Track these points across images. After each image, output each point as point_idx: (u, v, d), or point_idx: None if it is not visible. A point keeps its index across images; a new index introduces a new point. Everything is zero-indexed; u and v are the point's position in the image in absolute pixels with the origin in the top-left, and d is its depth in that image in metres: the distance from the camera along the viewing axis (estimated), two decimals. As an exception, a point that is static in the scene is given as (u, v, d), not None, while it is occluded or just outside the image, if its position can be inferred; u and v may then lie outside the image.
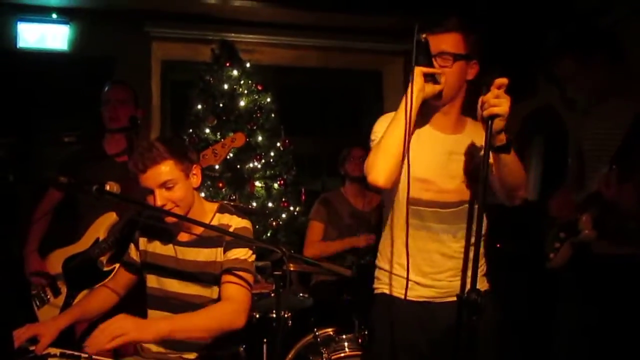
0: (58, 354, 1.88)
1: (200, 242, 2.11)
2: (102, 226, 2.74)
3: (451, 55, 1.89)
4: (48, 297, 2.80)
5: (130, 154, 2.90)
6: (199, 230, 2.09)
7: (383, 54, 4.68)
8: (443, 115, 2.00)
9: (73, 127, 3.83)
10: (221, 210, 2.18)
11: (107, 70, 4.29)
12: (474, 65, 1.96)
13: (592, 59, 2.42)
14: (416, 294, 2.00)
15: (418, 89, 1.84)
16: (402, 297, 1.98)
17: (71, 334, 2.56)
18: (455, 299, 1.90)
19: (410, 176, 1.93)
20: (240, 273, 2.02)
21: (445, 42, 1.90)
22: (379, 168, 1.87)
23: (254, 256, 2.09)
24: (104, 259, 2.71)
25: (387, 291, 2.05)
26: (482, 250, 1.95)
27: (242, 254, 2.06)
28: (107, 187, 2.43)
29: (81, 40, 4.35)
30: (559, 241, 2.50)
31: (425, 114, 1.97)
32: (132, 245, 2.27)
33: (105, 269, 2.67)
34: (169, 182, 2.00)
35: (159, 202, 1.98)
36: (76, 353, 1.84)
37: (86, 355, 1.78)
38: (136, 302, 2.26)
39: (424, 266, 1.99)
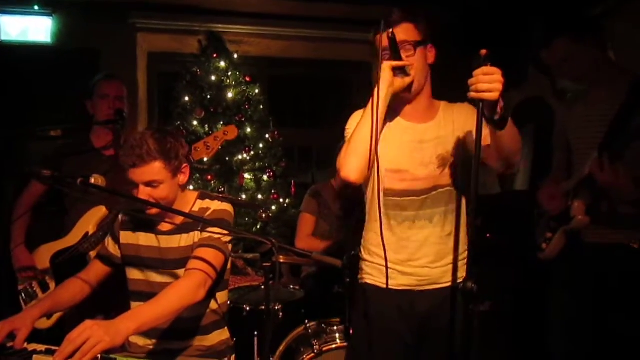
0: (44, 350, 1.84)
1: (181, 228, 2.11)
2: (92, 220, 2.71)
3: (411, 44, 1.96)
4: (36, 292, 2.77)
5: (116, 147, 2.89)
6: (180, 218, 2.10)
7: (372, 44, 4.57)
8: (412, 106, 2.05)
9: (58, 121, 3.79)
10: (202, 196, 2.20)
11: (92, 62, 4.24)
12: (431, 49, 2.03)
13: (586, 41, 2.41)
14: (396, 282, 2.04)
15: (387, 84, 1.90)
16: (383, 286, 2.04)
17: (60, 331, 2.56)
18: (436, 287, 2.04)
19: (383, 168, 2.01)
20: (206, 249, 2.02)
21: (402, 33, 1.94)
22: (350, 164, 1.93)
23: (229, 237, 2.09)
24: (93, 253, 2.67)
25: (369, 281, 2.11)
26: (464, 237, 2.06)
27: (215, 234, 2.06)
28: (92, 180, 2.42)
29: (65, 33, 4.28)
30: (551, 231, 2.50)
31: (394, 105, 2.01)
32: (109, 239, 2.25)
33: (94, 263, 2.63)
34: (155, 182, 2.01)
35: (141, 196, 2.00)
36: (53, 348, 1.81)
37: None
38: (118, 294, 2.26)
39: (401, 254, 2.03)
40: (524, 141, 4.48)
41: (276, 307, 2.93)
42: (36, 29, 4.25)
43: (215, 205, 2.15)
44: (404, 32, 1.95)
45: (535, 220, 2.70)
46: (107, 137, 2.94)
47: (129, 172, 2.00)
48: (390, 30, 1.85)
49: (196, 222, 2.07)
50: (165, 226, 2.15)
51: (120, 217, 2.24)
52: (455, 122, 2.04)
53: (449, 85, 2.12)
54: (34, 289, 2.79)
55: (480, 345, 2.03)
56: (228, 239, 2.09)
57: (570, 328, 2.51)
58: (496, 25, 4.18)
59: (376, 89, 1.88)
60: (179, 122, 4.06)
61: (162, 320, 1.86)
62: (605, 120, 2.33)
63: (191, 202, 2.17)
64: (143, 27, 4.50)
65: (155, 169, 1.99)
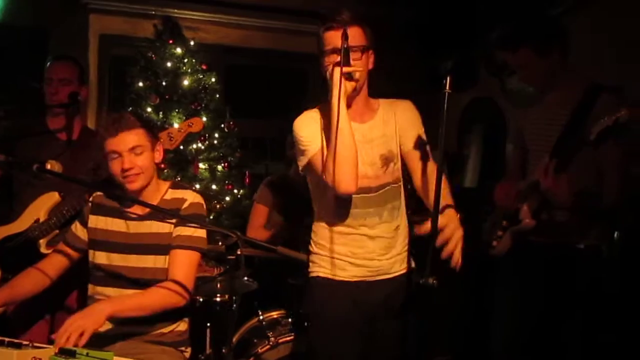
0: (-7, 342, 1.79)
1: (153, 214, 2.16)
2: (43, 207, 2.61)
3: (360, 48, 2.00)
4: (-22, 279, 2.66)
5: (69, 131, 2.81)
6: (154, 202, 2.16)
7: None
8: (352, 107, 2.08)
9: (4, 101, 3.63)
10: (174, 186, 2.26)
11: (40, 42, 4.08)
12: (371, 54, 2.08)
13: (549, 51, 2.45)
14: (349, 273, 2.12)
15: (342, 89, 1.91)
16: (335, 278, 2.13)
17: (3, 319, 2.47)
18: (387, 277, 2.14)
19: None
20: (188, 252, 2.13)
21: (351, 36, 1.95)
22: (348, 179, 1.96)
23: (204, 231, 2.18)
24: (43, 241, 2.59)
25: (321, 274, 2.17)
26: (406, 230, 2.20)
27: (192, 229, 2.15)
28: (48, 166, 2.36)
29: (12, 10, 4.09)
30: (502, 229, 2.58)
31: None
32: (77, 224, 2.27)
33: (44, 251, 2.55)
34: (138, 148, 2.08)
35: (126, 165, 2.06)
36: (16, 341, 1.77)
37: (27, 343, 1.74)
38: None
39: (354, 248, 2.11)
40: (472, 140, 4.63)
41: (233, 299, 2.92)
42: (-19, 4, 4.05)
43: (191, 197, 2.20)
44: (352, 35, 1.96)
45: (481, 217, 2.79)
46: (61, 120, 2.85)
47: (111, 143, 2.06)
48: (347, 41, 1.88)
49: (169, 210, 2.13)
50: (135, 210, 2.19)
51: (90, 201, 2.26)
52: (397, 119, 2.12)
53: (404, 84, 2.19)
54: (-24, 275, 2.68)
55: (428, 337, 2.13)
56: (204, 234, 2.17)
57: (514, 320, 2.59)
58: (448, 27, 4.27)
59: (334, 97, 1.91)
60: (131, 108, 3.94)
61: (138, 312, 1.99)
62: (559, 122, 2.40)
63: (163, 190, 2.22)
64: (95, 7, 4.36)
65: (139, 134, 2.09)
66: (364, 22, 2.03)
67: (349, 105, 2.04)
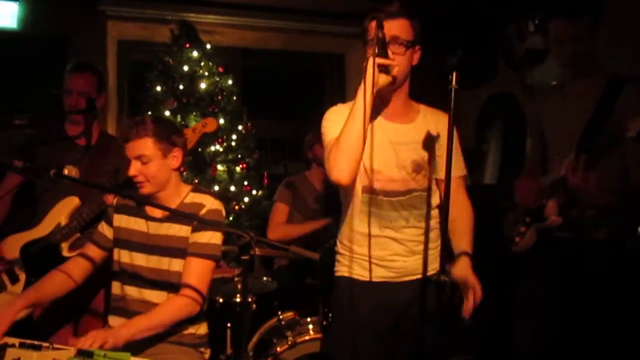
0: (17, 344, 1.82)
1: (172, 217, 2.20)
2: (64, 211, 2.67)
3: (404, 43, 1.92)
4: (4, 283, 2.71)
5: (87, 137, 2.86)
6: (173, 206, 2.20)
7: (345, 37, 4.63)
8: (391, 104, 2.04)
9: (24, 109, 3.71)
10: (195, 190, 2.28)
11: (60, 50, 4.15)
12: (417, 50, 2.00)
13: (597, 28, 2.36)
14: (373, 274, 2.08)
15: (372, 81, 1.83)
16: (361, 278, 2.10)
17: (28, 320, 2.52)
18: (412, 278, 2.10)
19: (365, 167, 2.01)
20: (200, 261, 2.15)
21: (397, 28, 1.91)
22: (341, 166, 1.89)
23: (221, 238, 2.20)
24: (65, 244, 2.64)
25: (345, 274, 2.14)
26: (437, 231, 2.13)
27: (208, 237, 2.17)
28: (65, 171, 2.41)
29: (32, 18, 4.16)
30: (525, 225, 2.52)
31: (374, 104, 1.95)
32: (103, 223, 2.32)
33: (66, 254, 2.61)
34: (144, 158, 2.12)
35: (131, 172, 2.12)
36: (37, 343, 1.80)
37: (47, 345, 1.77)
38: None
39: (378, 250, 2.07)
40: (492, 136, 4.54)
41: (249, 299, 2.94)
42: (1, 13, 4.12)
43: (209, 203, 2.21)
44: (399, 28, 1.91)
45: (502, 213, 2.74)
46: (80, 126, 2.89)
47: (125, 148, 2.14)
48: (381, 30, 1.79)
49: (188, 214, 2.15)
50: (155, 213, 2.23)
51: (114, 201, 2.33)
52: (431, 128, 2.05)
53: (418, 82, 2.14)
54: (2, 280, 2.74)
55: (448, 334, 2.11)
56: (220, 240, 2.19)
57: (539, 317, 2.56)
58: (466, 22, 4.24)
59: (362, 86, 1.84)
60: (150, 113, 4.00)
61: (155, 330, 2.05)
62: (581, 116, 2.31)
63: (184, 194, 2.25)
64: (113, 14, 4.41)
65: (146, 144, 2.11)
66: (413, 15, 1.95)
67: (387, 102, 2.00)
